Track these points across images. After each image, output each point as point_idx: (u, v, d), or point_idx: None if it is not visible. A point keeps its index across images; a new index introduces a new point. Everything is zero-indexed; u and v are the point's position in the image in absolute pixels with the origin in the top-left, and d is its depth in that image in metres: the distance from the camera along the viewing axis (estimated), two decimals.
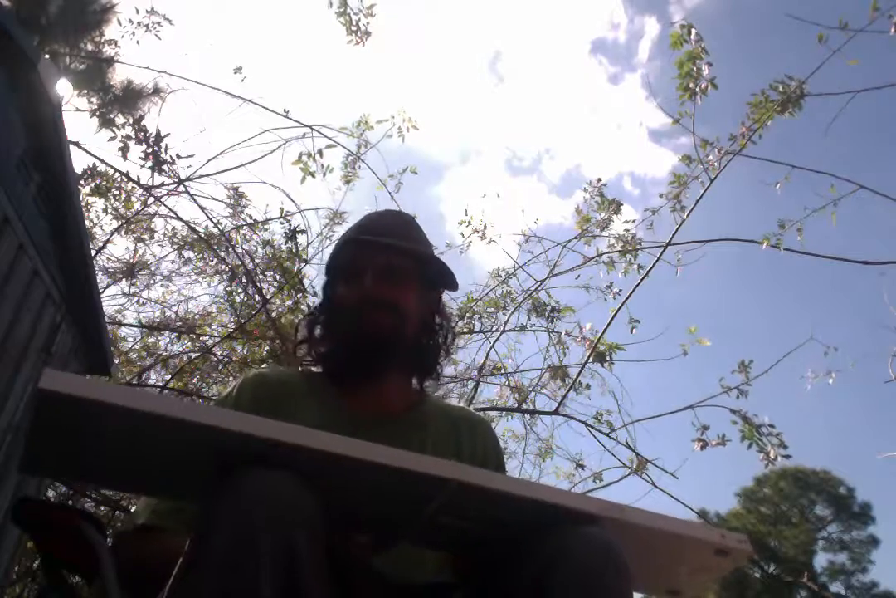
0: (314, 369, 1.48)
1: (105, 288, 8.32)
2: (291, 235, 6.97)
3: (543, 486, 0.97)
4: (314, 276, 7.68)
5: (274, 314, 7.49)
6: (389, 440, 0.92)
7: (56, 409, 0.79)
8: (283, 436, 0.84)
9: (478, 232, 7.30)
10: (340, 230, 7.43)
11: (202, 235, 7.76)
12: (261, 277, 7.56)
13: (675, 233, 6.22)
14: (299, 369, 1.52)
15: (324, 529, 0.87)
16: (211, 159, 6.68)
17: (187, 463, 0.89)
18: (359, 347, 1.36)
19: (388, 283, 1.38)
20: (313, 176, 6.29)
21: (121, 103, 7.17)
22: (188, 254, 8.49)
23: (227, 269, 7.93)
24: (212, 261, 8.35)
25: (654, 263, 6.30)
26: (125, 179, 7.08)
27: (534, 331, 7.48)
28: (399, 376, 1.44)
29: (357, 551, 1.03)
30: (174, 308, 9.05)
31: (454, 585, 1.12)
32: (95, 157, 6.86)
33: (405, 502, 0.94)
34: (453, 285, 1.49)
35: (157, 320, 9.08)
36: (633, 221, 6.72)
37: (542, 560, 0.93)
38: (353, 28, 6.49)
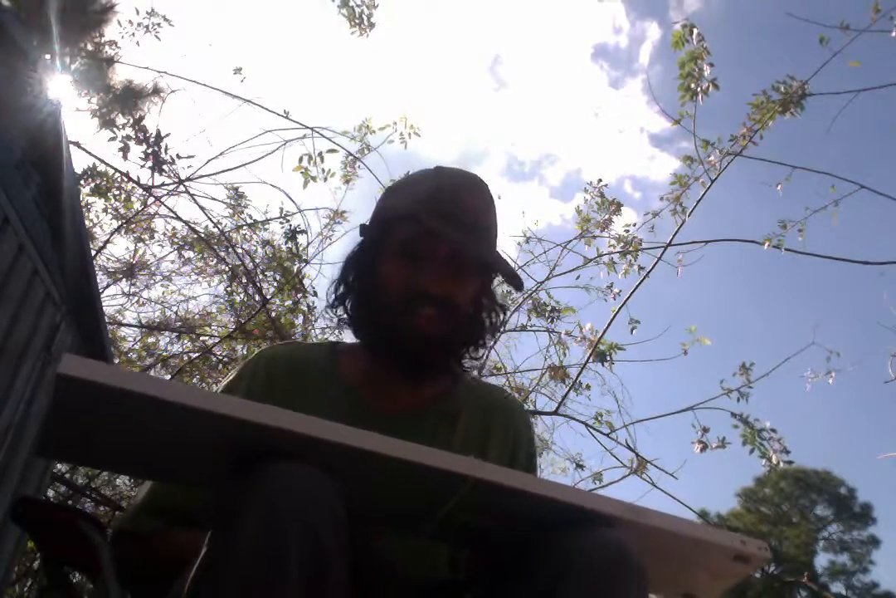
0: (337, 339, 1.40)
1: (105, 288, 8.33)
2: (291, 235, 6.98)
3: (561, 485, 0.95)
4: (314, 276, 7.68)
5: (274, 314, 7.49)
6: (414, 435, 0.90)
7: (74, 394, 0.79)
8: (304, 429, 0.84)
9: None
10: (341, 229, 7.44)
11: (202, 235, 7.77)
12: (261, 277, 7.57)
13: (675, 233, 6.23)
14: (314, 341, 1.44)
15: (346, 522, 0.86)
16: (211, 160, 6.68)
17: (205, 452, 0.89)
18: (405, 347, 1.25)
19: (448, 275, 1.26)
20: (314, 180, 6.29)
21: (121, 104, 7.17)
22: (188, 254, 8.52)
23: (227, 269, 7.94)
24: (212, 261, 8.37)
25: (655, 264, 6.30)
26: (125, 179, 7.09)
27: (534, 331, 7.48)
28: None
29: (370, 544, 1.02)
30: (174, 308, 9.09)
31: (466, 583, 1.11)
32: (95, 157, 6.87)
33: (422, 497, 0.94)
34: (518, 287, 1.34)
35: (157, 320, 9.11)
36: (634, 225, 6.72)
37: (556, 563, 0.91)
38: (357, 20, 6.47)
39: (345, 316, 1.35)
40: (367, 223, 1.36)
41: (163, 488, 1.21)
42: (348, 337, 1.39)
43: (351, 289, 1.35)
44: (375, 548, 1.03)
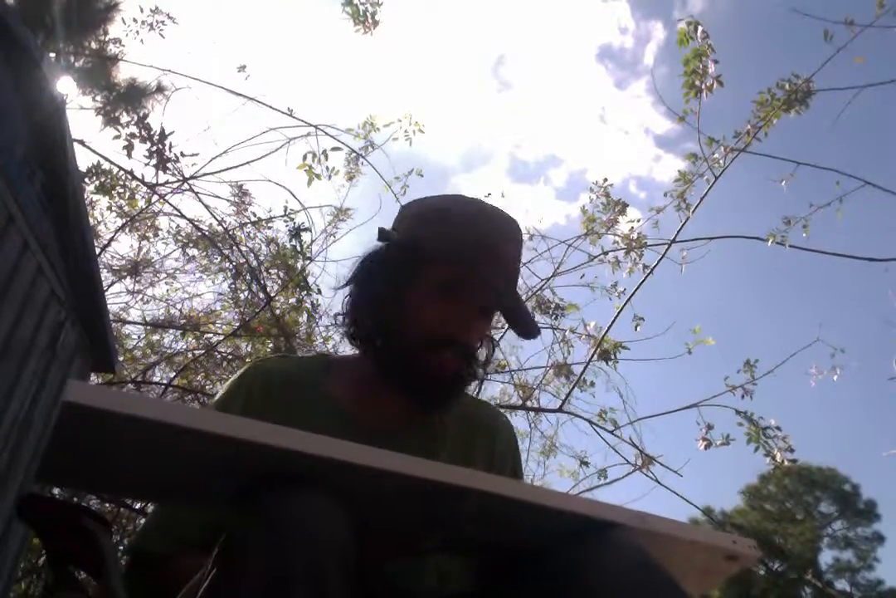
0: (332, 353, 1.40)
1: (109, 286, 8.35)
2: (295, 232, 6.98)
3: (570, 496, 0.96)
4: (318, 273, 7.68)
5: (278, 312, 7.50)
6: (402, 451, 0.89)
7: (80, 421, 0.77)
8: (317, 450, 0.83)
9: None
10: (345, 227, 7.45)
11: (206, 233, 7.78)
12: (265, 274, 7.57)
13: (679, 230, 6.23)
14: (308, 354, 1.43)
15: (355, 551, 0.84)
16: (215, 158, 6.70)
17: (212, 475, 0.88)
18: (420, 385, 1.26)
19: (477, 322, 1.28)
20: (319, 178, 6.30)
21: (125, 101, 7.18)
22: (192, 252, 8.51)
23: (231, 266, 7.94)
24: (216, 258, 8.37)
25: (659, 261, 6.31)
26: (129, 177, 7.09)
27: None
28: None
29: (379, 562, 1.02)
30: (178, 306, 9.08)
31: (472, 595, 1.11)
32: (100, 155, 6.87)
33: (431, 512, 0.93)
34: (533, 336, 1.33)
35: (162, 318, 9.10)
36: (639, 221, 6.73)
37: (578, 574, 0.90)
38: (361, 18, 6.47)
39: (352, 331, 1.33)
40: (394, 242, 1.32)
41: (173, 508, 1.21)
42: (346, 345, 1.38)
43: (370, 309, 1.31)
44: (382, 569, 1.02)
